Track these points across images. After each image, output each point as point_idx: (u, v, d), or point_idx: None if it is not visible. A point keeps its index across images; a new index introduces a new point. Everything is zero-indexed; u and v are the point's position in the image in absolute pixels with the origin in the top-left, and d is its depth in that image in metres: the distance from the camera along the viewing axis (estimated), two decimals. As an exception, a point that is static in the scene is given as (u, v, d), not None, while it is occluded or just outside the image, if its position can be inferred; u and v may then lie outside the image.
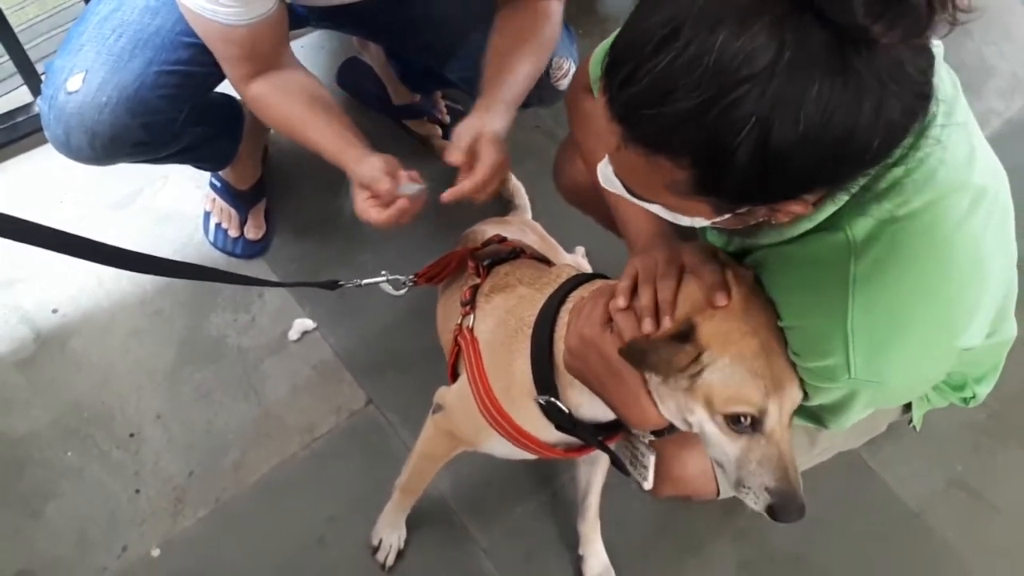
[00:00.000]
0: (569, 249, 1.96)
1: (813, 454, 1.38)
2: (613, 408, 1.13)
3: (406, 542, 1.74)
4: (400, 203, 1.42)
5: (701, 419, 1.03)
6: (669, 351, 0.99)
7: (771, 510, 1.01)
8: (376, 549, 1.73)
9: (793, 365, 1.01)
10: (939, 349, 1.02)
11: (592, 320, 1.10)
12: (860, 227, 0.93)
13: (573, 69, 1.73)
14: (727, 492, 1.34)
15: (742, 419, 1.00)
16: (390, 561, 1.73)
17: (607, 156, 0.92)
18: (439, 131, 2.29)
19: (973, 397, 1.37)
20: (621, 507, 1.76)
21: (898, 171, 0.89)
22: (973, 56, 2.63)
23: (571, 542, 1.76)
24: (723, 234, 1.10)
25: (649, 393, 1.07)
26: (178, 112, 1.63)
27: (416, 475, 1.60)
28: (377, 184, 1.43)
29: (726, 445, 1.03)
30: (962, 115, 0.96)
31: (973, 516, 1.87)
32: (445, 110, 2.31)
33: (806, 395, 1.04)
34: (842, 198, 0.90)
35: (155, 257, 1.41)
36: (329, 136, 1.54)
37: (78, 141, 1.57)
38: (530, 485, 1.85)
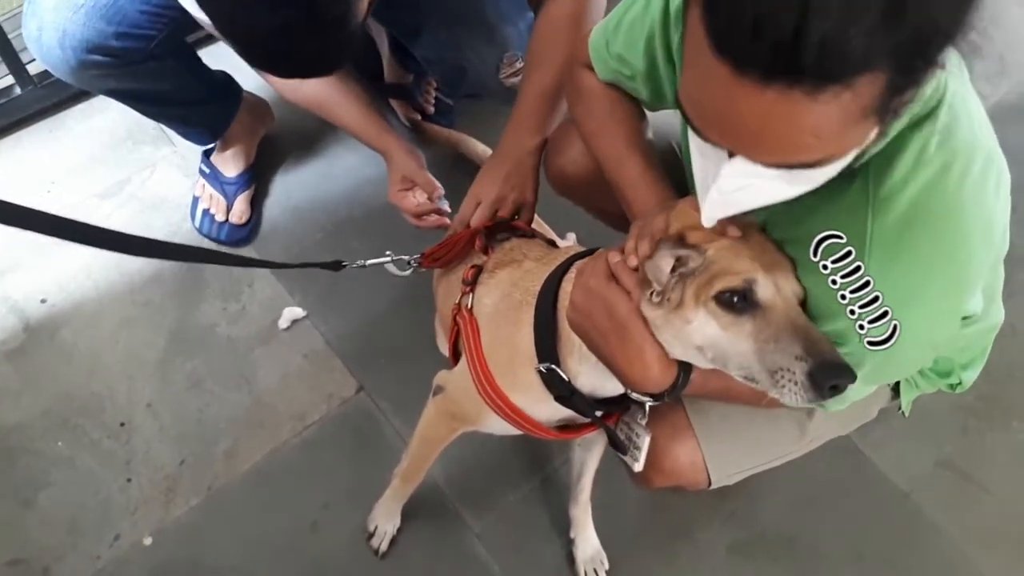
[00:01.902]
0: (560, 235, 1.95)
1: (803, 443, 1.37)
2: (615, 367, 1.09)
3: (399, 528, 1.75)
4: (438, 218, 1.81)
5: (701, 324, 0.98)
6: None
7: (811, 377, 0.90)
8: (371, 535, 1.73)
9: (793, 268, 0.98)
10: (949, 313, 1.00)
11: (597, 272, 1.08)
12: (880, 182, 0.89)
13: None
14: (719, 482, 1.35)
15: (735, 298, 0.95)
16: (384, 547, 1.73)
17: (735, 163, 0.82)
18: (418, 116, 2.30)
19: (960, 383, 1.36)
20: (612, 492, 1.77)
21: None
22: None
23: (563, 526, 1.77)
24: None
25: (654, 338, 1.04)
26: (157, 31, 1.62)
27: (417, 460, 1.59)
28: (417, 178, 1.79)
29: (738, 343, 0.96)
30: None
31: (962, 496, 1.88)
32: (433, 101, 2.30)
33: None
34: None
35: (153, 240, 1.39)
36: (363, 121, 1.79)
37: (49, 39, 1.57)
38: (522, 471, 1.85)
